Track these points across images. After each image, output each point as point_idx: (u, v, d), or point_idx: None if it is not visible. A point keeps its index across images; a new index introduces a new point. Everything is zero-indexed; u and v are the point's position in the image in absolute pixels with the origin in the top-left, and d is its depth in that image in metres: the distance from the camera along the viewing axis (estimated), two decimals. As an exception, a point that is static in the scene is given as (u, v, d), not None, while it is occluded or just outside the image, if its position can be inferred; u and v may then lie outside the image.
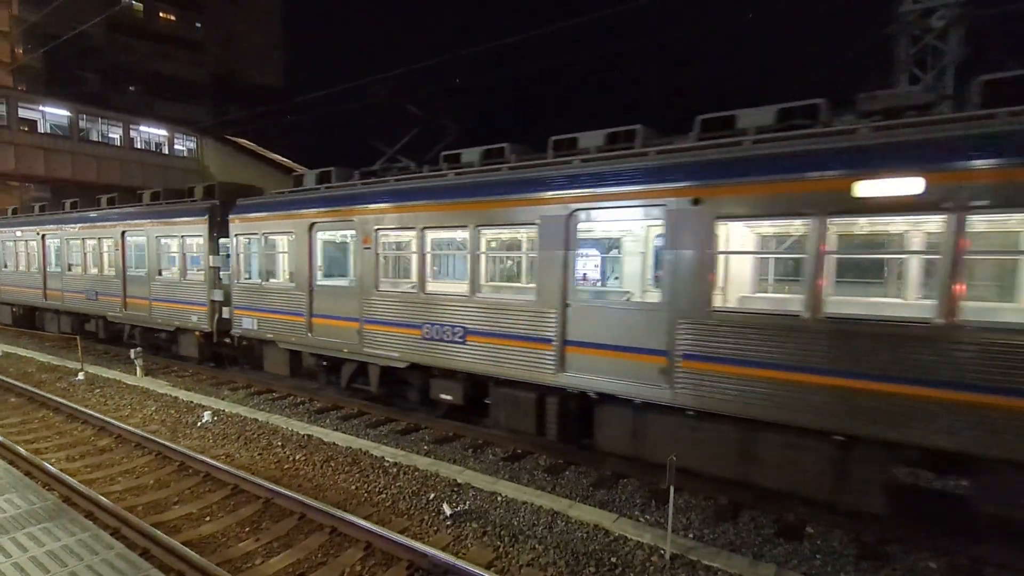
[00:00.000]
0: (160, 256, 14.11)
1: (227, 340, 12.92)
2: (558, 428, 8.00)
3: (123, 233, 15.03)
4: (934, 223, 5.88)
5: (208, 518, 6.31)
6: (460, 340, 8.57)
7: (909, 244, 6.85)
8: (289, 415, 10.32)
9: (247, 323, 12.02)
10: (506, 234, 9.10)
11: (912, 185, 5.23)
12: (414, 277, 9.45)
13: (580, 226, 7.49)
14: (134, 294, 14.83)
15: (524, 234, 8.49)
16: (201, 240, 12.80)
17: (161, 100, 51.84)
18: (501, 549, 5.57)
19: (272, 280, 11.69)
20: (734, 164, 6.33)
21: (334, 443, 8.55)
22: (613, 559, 5.37)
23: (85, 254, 16.56)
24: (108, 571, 4.15)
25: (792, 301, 6.47)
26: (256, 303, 11.74)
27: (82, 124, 33.82)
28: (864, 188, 5.45)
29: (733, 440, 6.51)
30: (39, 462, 7.42)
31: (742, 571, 5.16)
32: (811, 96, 6.49)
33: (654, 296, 7.90)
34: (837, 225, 6.16)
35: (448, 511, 6.24)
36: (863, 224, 6.66)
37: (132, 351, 13.22)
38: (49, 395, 10.92)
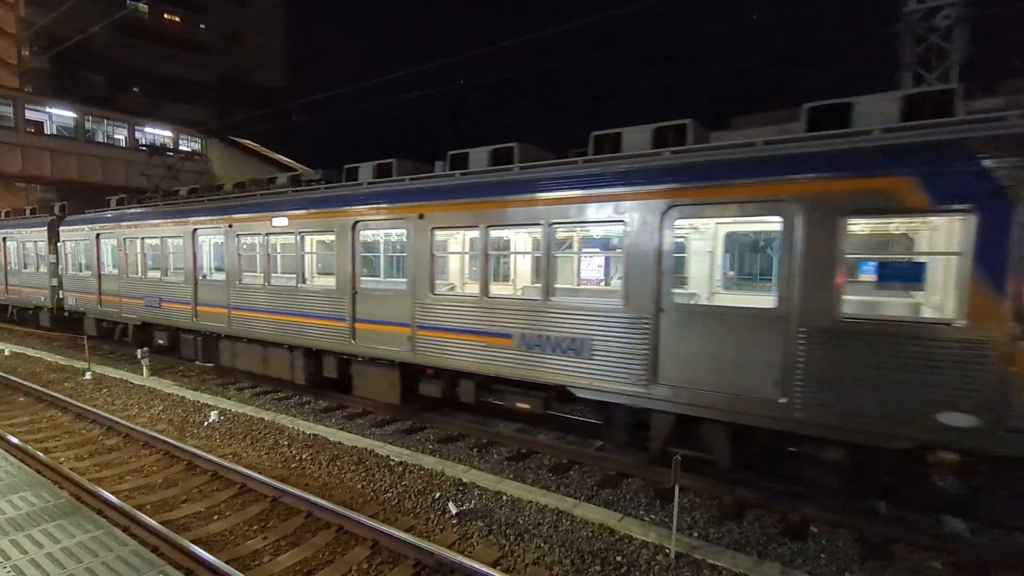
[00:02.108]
0: (25, 255, 19.76)
1: (65, 314, 17.97)
2: (202, 355, 13.22)
3: (4, 239, 20.76)
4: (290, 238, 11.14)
5: (216, 516, 6.38)
6: (159, 306, 14.00)
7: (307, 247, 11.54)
8: (295, 414, 10.40)
9: (71, 301, 17.43)
10: (177, 241, 13.52)
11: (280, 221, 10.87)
12: (143, 268, 14.63)
13: (200, 237, 12.92)
14: (11, 283, 20.72)
15: (179, 242, 13.27)
16: (44, 243, 18.45)
17: (166, 101, 52.06)
18: (507, 548, 5.62)
19: (83, 271, 16.85)
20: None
21: (340, 442, 8.62)
22: (618, 558, 5.41)
23: None
24: (123, 567, 4.21)
25: (258, 277, 11.74)
26: (75, 287, 17.24)
27: (88, 125, 33.99)
28: (274, 221, 10.98)
29: (260, 351, 11.73)
30: (36, 454, 7.51)
31: (747, 570, 5.19)
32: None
33: (221, 276, 12.66)
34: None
35: (454, 510, 6.29)
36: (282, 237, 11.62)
37: (139, 351, 13.35)
38: (57, 395, 11.04)
